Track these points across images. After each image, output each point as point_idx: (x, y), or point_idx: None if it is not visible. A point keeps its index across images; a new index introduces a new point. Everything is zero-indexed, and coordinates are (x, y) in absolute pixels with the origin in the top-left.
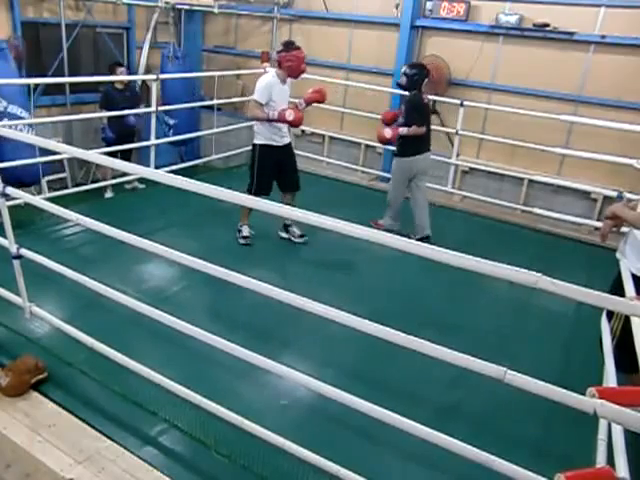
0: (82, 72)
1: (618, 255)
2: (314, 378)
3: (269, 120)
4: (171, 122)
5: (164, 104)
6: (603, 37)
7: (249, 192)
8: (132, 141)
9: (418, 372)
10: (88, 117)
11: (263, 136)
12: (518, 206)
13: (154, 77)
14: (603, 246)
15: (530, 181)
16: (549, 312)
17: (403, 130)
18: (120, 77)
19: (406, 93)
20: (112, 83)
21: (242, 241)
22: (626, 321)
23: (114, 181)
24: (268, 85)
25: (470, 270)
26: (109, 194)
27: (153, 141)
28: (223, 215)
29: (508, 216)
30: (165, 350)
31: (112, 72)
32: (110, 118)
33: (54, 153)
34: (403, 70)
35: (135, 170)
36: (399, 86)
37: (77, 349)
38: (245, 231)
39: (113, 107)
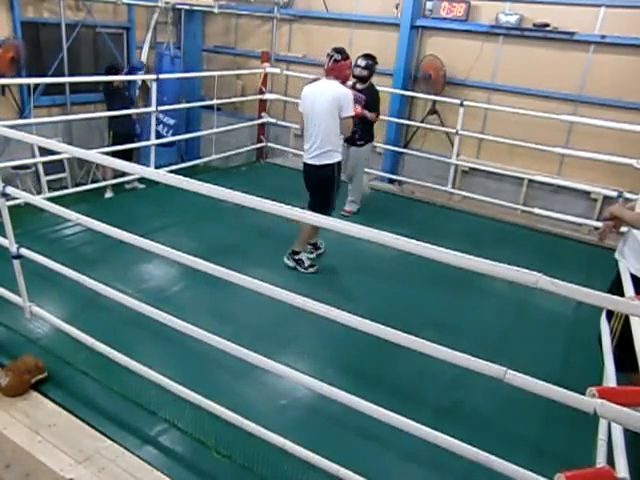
0: (82, 72)
1: (617, 255)
2: (314, 378)
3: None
4: (171, 122)
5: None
6: (603, 37)
7: (324, 213)
8: (132, 142)
9: (418, 372)
10: (88, 117)
11: (339, 152)
12: (518, 206)
13: (154, 77)
14: (603, 246)
15: (530, 181)
16: (549, 312)
17: (367, 113)
18: (119, 77)
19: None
20: (111, 83)
21: (311, 270)
22: (626, 321)
23: (114, 181)
24: None
25: (470, 270)
26: (109, 194)
27: (153, 141)
28: (223, 215)
29: (508, 216)
30: (165, 350)
31: (109, 73)
32: (113, 118)
33: (54, 153)
34: (364, 64)
35: (135, 170)
36: (359, 79)
37: (77, 349)
38: (306, 260)
39: (114, 106)
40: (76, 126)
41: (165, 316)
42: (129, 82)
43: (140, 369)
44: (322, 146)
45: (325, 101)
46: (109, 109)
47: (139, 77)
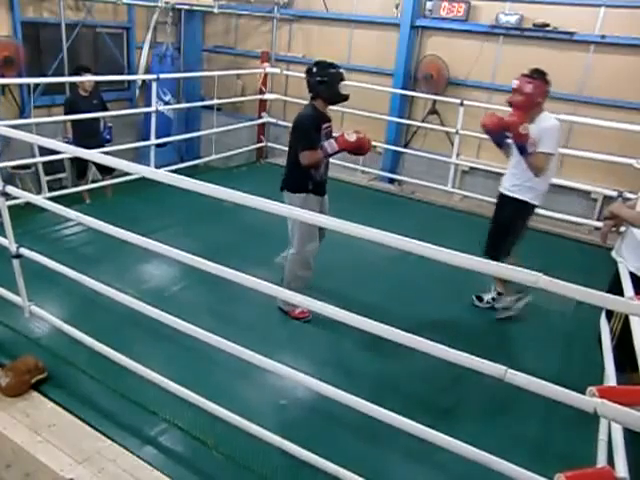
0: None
1: (614, 254)
2: (314, 378)
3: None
4: (166, 98)
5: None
6: (603, 37)
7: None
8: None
9: (418, 371)
10: (88, 117)
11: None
12: None
13: (154, 77)
14: (603, 246)
15: None
16: (549, 312)
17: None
18: (119, 77)
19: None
20: (76, 89)
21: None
22: (626, 321)
23: (88, 186)
24: None
25: (470, 269)
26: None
27: (153, 141)
28: (223, 215)
29: None
30: (165, 350)
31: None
32: (75, 127)
33: (54, 153)
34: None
35: (135, 170)
36: None
37: (77, 349)
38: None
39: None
40: None
41: (165, 316)
42: (96, 89)
43: (140, 369)
44: None
45: None
46: (72, 123)
47: (139, 77)
